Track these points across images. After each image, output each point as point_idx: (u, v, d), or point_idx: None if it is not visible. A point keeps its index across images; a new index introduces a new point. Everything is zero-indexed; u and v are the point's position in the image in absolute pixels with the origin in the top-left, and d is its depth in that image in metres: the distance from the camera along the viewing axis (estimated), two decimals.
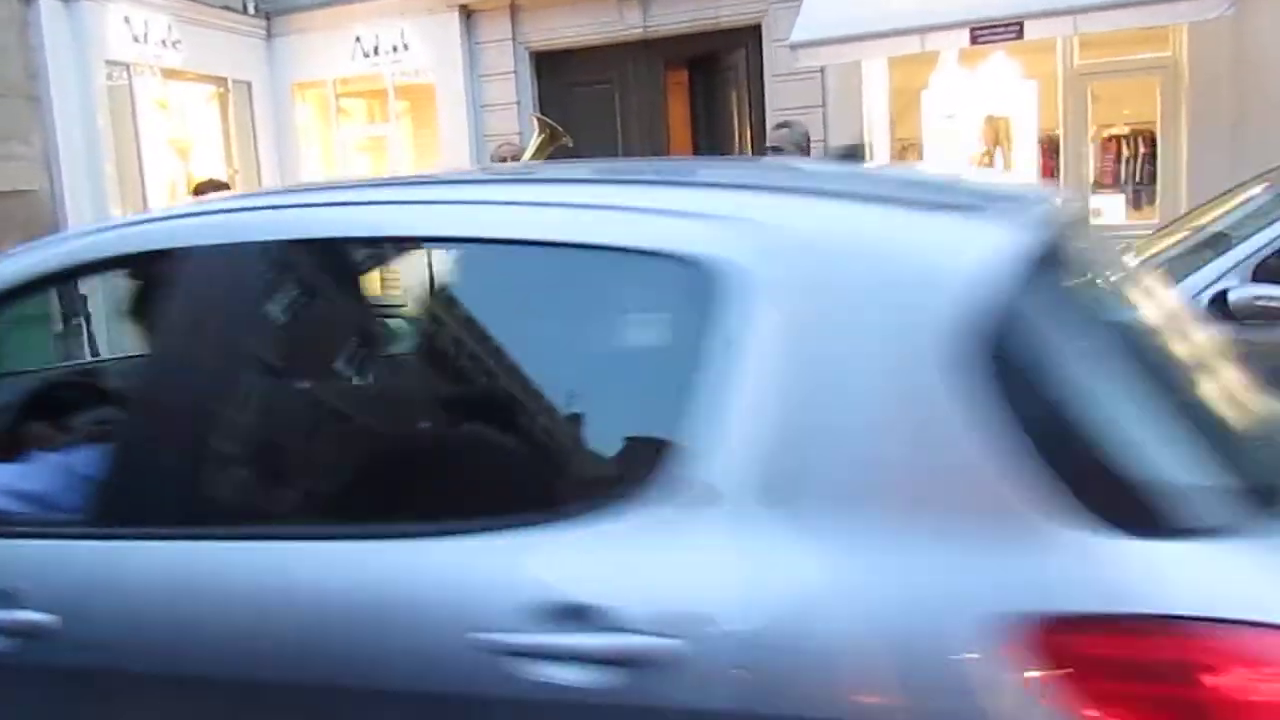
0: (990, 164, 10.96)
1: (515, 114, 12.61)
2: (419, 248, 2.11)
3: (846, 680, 1.38)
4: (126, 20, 11.51)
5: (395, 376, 2.56)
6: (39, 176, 10.90)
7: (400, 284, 2.45)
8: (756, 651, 1.40)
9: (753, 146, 11.52)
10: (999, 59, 10.42)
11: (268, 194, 2.48)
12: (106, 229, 2.25)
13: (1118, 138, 10.56)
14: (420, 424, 2.23)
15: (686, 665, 1.42)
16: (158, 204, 12.01)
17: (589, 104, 12.46)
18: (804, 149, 5.24)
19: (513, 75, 12.68)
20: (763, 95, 11.42)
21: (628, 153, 12.44)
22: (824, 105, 10.96)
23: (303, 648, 1.67)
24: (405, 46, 13.15)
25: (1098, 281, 1.94)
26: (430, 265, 2.24)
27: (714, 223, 1.62)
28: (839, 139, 10.79)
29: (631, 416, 1.77)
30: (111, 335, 11.07)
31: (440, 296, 2.30)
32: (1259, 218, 4.72)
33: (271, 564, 1.75)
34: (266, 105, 13.74)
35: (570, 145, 5.81)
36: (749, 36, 11.52)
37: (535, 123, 5.81)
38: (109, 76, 11.41)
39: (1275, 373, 4.26)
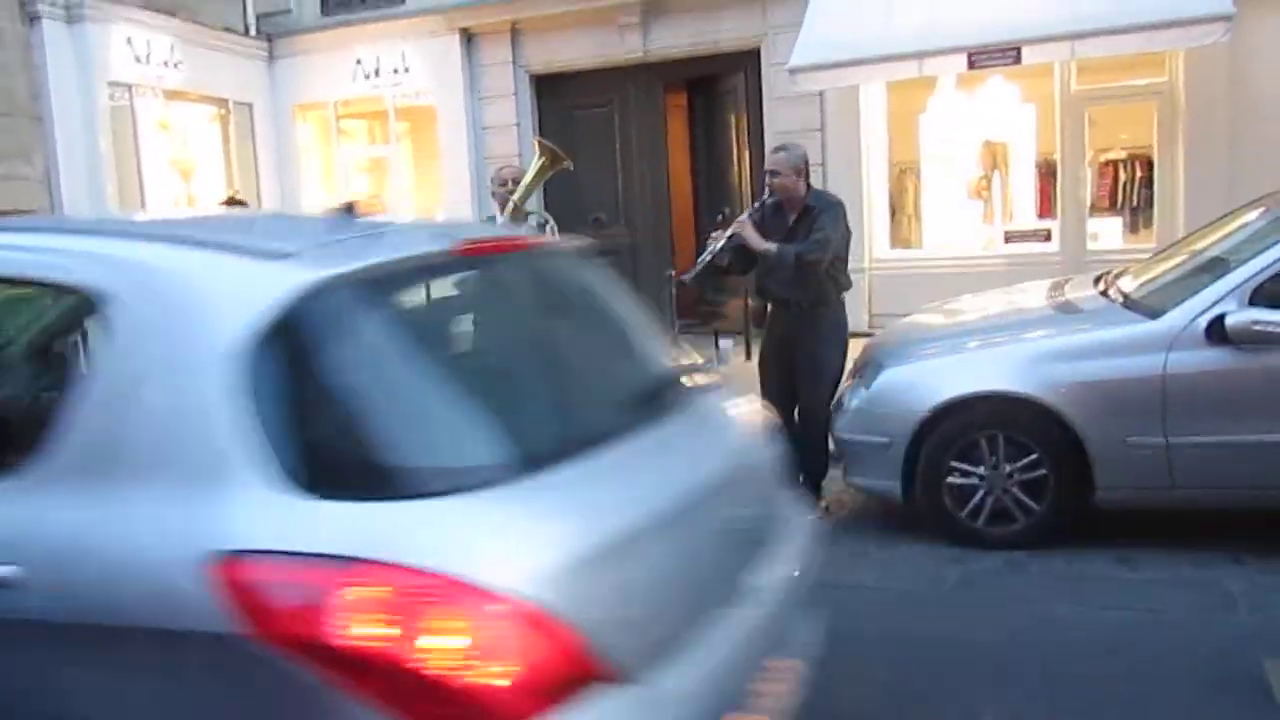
0: (988, 186, 11.03)
1: (515, 136, 12.69)
2: None
3: (110, 593, 1.92)
4: (129, 41, 11.59)
5: None
6: (40, 196, 10.94)
7: None
8: (57, 574, 1.96)
9: (752, 168, 11.59)
10: (997, 83, 10.51)
11: None
12: None
13: (1115, 162, 10.63)
14: None
15: (20, 584, 1.98)
16: None
17: (589, 126, 12.54)
18: (800, 171, 5.29)
19: (513, 97, 12.76)
20: (762, 118, 11.49)
21: (627, 174, 12.51)
22: (822, 128, 11.04)
23: None
24: (406, 69, 13.23)
25: (454, 301, 2.61)
26: None
27: (85, 259, 2.19)
28: (838, 161, 10.87)
29: (25, 404, 2.60)
30: None
31: None
32: (1255, 242, 4.77)
33: None
34: (268, 126, 13.80)
35: (571, 168, 5.84)
36: (748, 60, 11.61)
37: (536, 146, 5.83)
38: (111, 97, 11.47)
39: (1266, 394, 4.32)
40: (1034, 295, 5.83)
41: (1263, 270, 4.44)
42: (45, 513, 2.02)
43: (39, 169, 10.93)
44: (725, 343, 8.41)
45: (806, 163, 5.34)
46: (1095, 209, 10.52)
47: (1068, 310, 5.25)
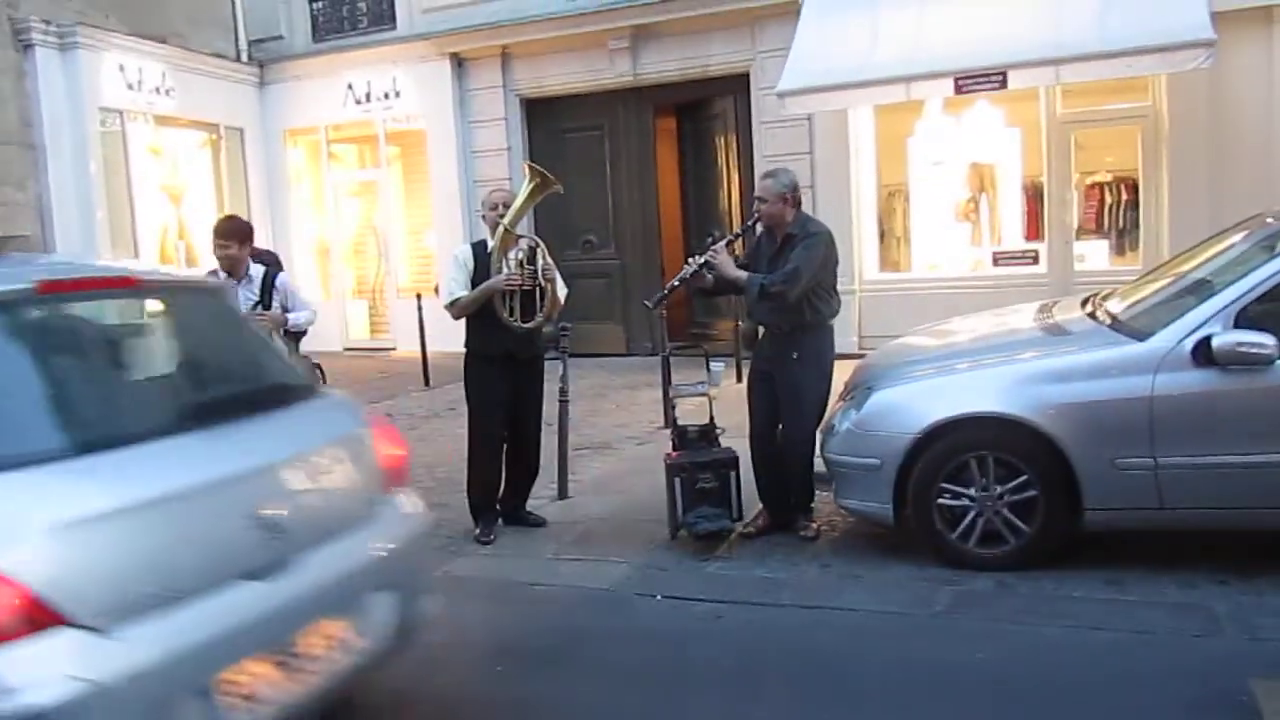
0: (976, 209, 11.11)
1: (506, 160, 12.76)
2: None
3: None
4: (121, 68, 11.65)
5: None
6: (32, 222, 10.96)
7: None
8: None
9: (741, 191, 11.66)
10: (983, 107, 10.62)
11: None
12: None
13: (1101, 184, 10.73)
14: None
15: None
16: (148, 249, 12.08)
17: (579, 150, 12.62)
18: (788, 198, 5.31)
19: (503, 121, 12.84)
20: (751, 141, 11.59)
21: (617, 197, 12.57)
22: (811, 152, 11.14)
23: None
24: (397, 93, 13.31)
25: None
26: None
27: None
28: (827, 184, 10.96)
29: None
30: None
31: None
32: (1240, 264, 4.81)
33: None
34: (258, 151, 13.86)
35: (561, 191, 5.86)
36: (737, 84, 11.71)
37: (526, 170, 5.85)
38: (103, 123, 11.52)
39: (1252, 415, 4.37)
40: (1023, 317, 5.86)
41: (1247, 292, 4.47)
42: None
43: (31, 195, 10.96)
44: (716, 365, 8.37)
45: (796, 189, 5.35)
46: (1082, 231, 10.62)
47: (1056, 332, 5.29)
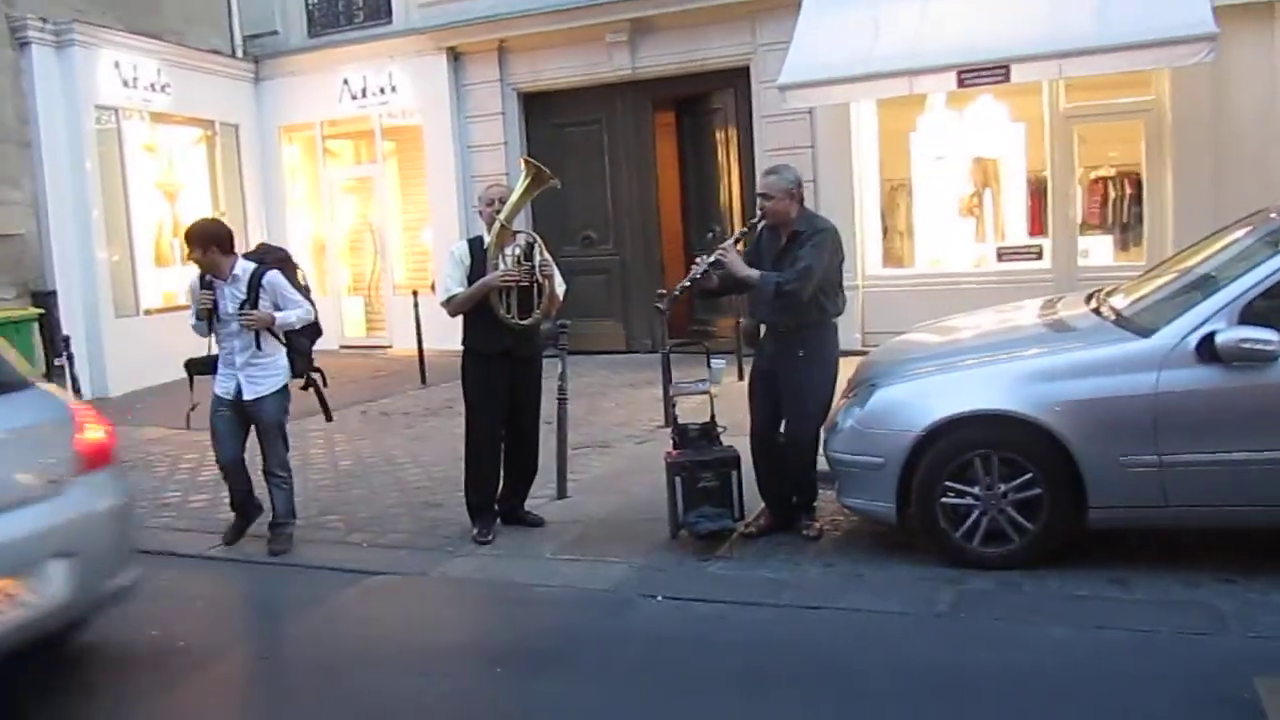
0: (979, 204, 11.11)
1: (503, 155, 12.75)
2: None
3: None
4: (116, 65, 11.65)
5: None
6: (27, 221, 10.96)
7: None
8: None
9: (742, 186, 11.66)
10: (986, 101, 10.61)
11: None
12: None
13: (1104, 179, 10.73)
14: None
15: None
16: (144, 246, 12.08)
17: (577, 144, 12.61)
18: (793, 194, 5.30)
19: (500, 116, 12.83)
20: (751, 136, 11.58)
21: (615, 192, 12.57)
22: (813, 146, 11.12)
23: None
24: (393, 88, 13.29)
25: None
26: None
27: None
28: (829, 180, 10.94)
29: None
30: (94, 375, 11.09)
31: None
32: (1244, 260, 4.82)
33: None
34: (254, 147, 13.85)
35: (558, 187, 5.85)
36: (737, 78, 11.70)
37: (522, 164, 5.84)
38: (98, 121, 11.52)
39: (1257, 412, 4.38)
40: (1026, 313, 5.87)
41: (1251, 288, 4.48)
42: None
43: (26, 193, 10.96)
44: (717, 362, 8.42)
45: (800, 185, 5.36)
46: (1086, 226, 10.61)
47: (1060, 329, 5.30)
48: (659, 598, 4.77)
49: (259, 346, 5.56)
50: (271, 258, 5.80)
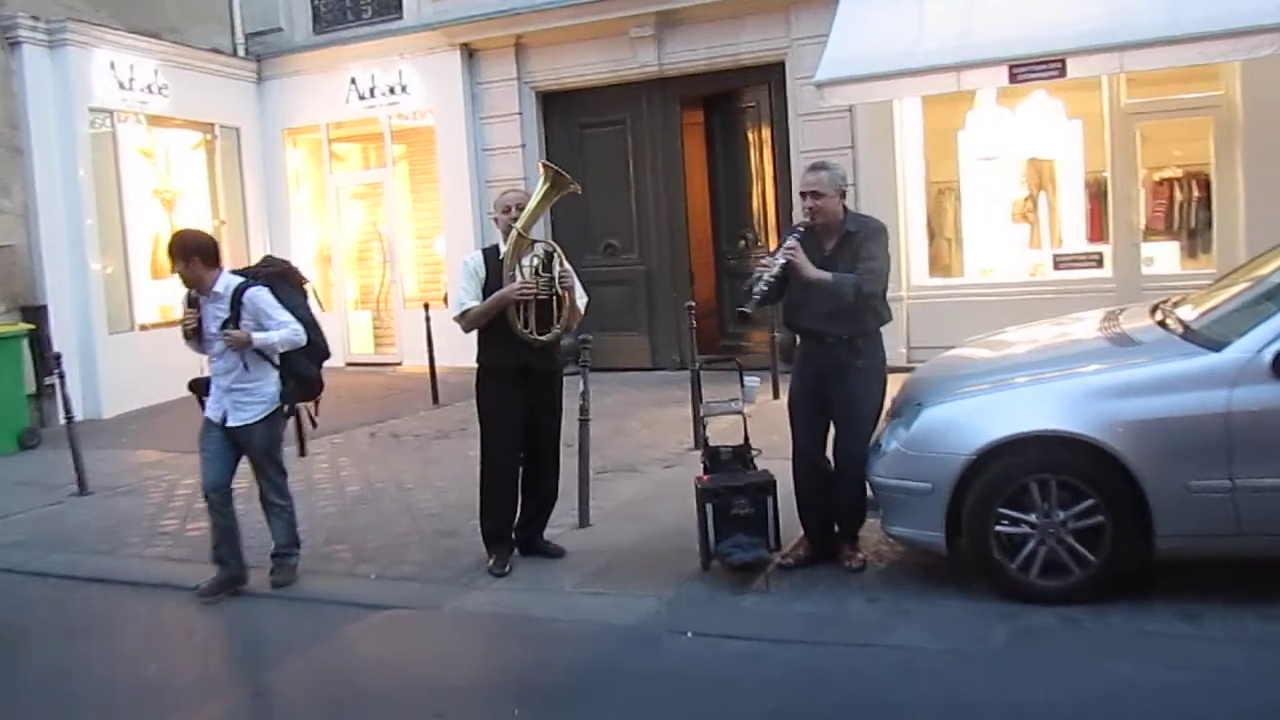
0: (1034, 208, 11.05)
1: (521, 158, 12.80)
2: None
3: None
4: (112, 66, 11.79)
5: None
6: (17, 231, 11.09)
7: None
8: None
9: (776, 190, 11.65)
10: (1040, 98, 10.58)
11: None
12: None
13: (1169, 180, 10.66)
14: None
15: None
16: (139, 258, 12.20)
17: (600, 146, 12.67)
18: (843, 192, 5.29)
19: (518, 117, 12.89)
20: (786, 136, 11.57)
21: (641, 197, 12.59)
22: (853, 147, 11.11)
23: None
24: (403, 88, 13.39)
25: None
26: None
27: None
28: (870, 182, 10.92)
29: None
30: (86, 395, 11.18)
31: None
32: None
33: None
34: (255, 151, 13.98)
35: (579, 192, 5.87)
36: (771, 74, 11.71)
37: (540, 168, 5.86)
38: (92, 124, 11.66)
39: None
40: (1086, 326, 5.83)
41: None
42: None
43: (17, 202, 11.09)
44: (751, 380, 8.40)
45: (846, 182, 5.38)
46: (1149, 232, 10.54)
47: (1123, 342, 5.26)
48: (688, 634, 4.76)
49: (246, 369, 5.53)
50: (265, 271, 5.78)
